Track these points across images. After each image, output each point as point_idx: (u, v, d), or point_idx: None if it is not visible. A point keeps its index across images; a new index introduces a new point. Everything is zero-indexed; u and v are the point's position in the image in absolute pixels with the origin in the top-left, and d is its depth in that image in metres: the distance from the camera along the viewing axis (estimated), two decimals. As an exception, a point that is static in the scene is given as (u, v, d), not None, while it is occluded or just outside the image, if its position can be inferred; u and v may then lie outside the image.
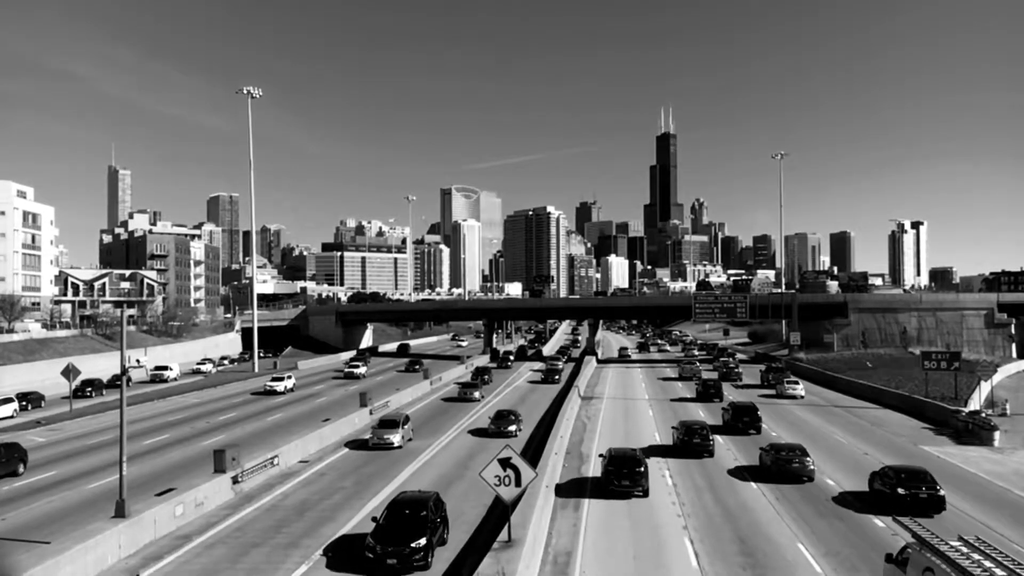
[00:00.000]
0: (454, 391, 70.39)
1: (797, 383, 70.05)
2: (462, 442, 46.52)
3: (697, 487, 34.99)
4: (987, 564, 17.86)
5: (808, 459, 35.83)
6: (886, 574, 20.74)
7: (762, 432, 48.81)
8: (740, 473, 37.69)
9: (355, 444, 45.64)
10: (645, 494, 32.71)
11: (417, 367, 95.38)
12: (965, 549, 18.78)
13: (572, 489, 33.86)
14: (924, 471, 31.28)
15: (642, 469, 32.87)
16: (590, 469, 37.94)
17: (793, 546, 26.41)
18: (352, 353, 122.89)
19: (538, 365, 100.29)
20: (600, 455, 37.37)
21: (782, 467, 35.66)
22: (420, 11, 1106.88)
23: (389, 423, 45.19)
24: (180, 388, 78.67)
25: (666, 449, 43.61)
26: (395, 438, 43.79)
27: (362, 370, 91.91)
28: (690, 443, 41.63)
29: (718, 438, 45.82)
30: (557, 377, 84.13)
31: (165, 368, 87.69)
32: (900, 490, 30.14)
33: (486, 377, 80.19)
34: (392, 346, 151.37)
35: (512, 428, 48.06)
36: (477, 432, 49.74)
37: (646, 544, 26.55)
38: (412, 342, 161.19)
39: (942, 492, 30.12)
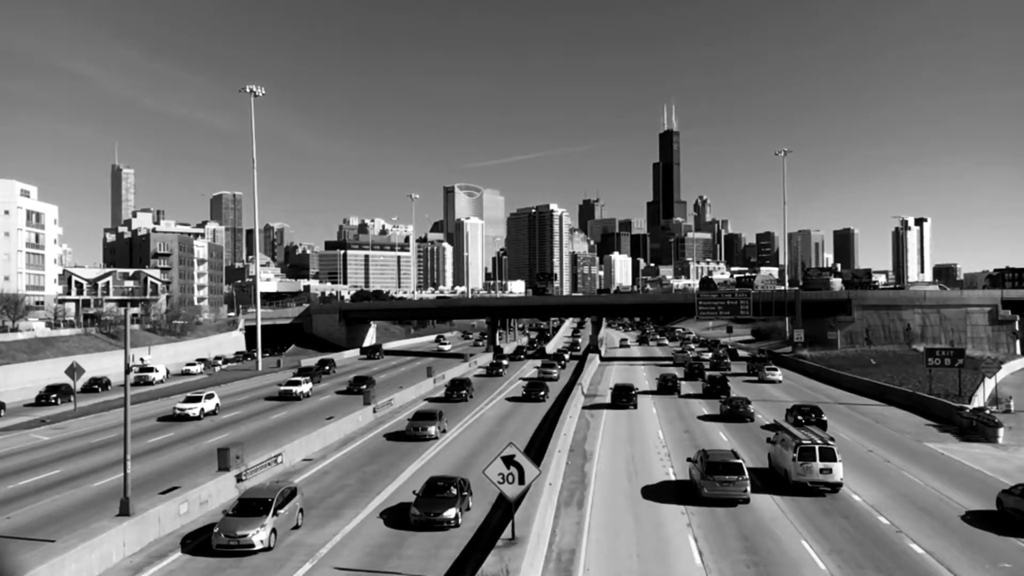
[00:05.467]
0: (412, 416, 50.43)
1: (776, 370, 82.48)
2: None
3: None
4: (809, 434, 34.24)
5: (750, 406, 54.30)
6: (767, 450, 38.05)
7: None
8: (705, 417, 55.23)
9: (196, 542, 26.47)
10: (635, 407, 58.29)
11: (364, 386, 70.36)
12: (803, 431, 35.21)
13: (574, 489, 33.95)
14: (817, 406, 50.54)
15: (633, 393, 59.85)
16: (593, 467, 38.23)
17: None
18: (316, 360, 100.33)
19: (531, 372, 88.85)
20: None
21: (733, 411, 53.62)
22: (421, 11, 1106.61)
23: (254, 505, 26.53)
24: (185, 387, 78.85)
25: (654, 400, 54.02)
26: (258, 535, 25.23)
27: (304, 388, 69.80)
28: (665, 385, 69.29)
29: (698, 402, 63.51)
30: (544, 393, 65.69)
31: (150, 370, 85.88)
32: (800, 417, 47.96)
33: (463, 392, 65.44)
34: (393, 345, 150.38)
35: (451, 513, 27.82)
36: (398, 518, 29.08)
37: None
38: (394, 344, 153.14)
39: (825, 418, 48.41)
